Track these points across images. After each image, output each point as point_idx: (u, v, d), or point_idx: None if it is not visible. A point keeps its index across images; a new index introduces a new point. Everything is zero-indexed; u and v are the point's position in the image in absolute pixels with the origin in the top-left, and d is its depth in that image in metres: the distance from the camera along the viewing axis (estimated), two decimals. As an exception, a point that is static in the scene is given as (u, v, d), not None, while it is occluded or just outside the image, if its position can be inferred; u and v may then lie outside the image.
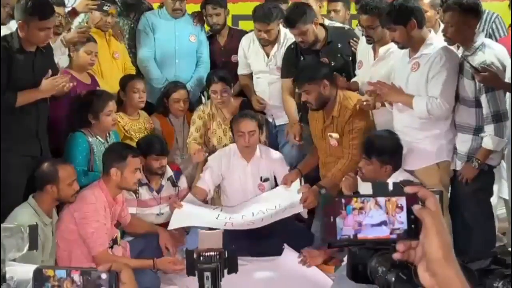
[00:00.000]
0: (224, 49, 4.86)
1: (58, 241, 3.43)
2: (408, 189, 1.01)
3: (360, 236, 1.00)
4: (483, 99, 3.38)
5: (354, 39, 4.22)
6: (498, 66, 3.37)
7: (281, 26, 4.46)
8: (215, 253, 2.21)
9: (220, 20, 4.77)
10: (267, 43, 4.43)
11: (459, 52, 3.59)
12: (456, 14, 3.42)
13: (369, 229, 1.01)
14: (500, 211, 4.45)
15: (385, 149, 3.45)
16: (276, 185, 4.34)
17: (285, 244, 4.04)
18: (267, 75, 4.50)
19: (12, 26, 3.79)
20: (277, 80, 4.43)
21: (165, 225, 4.02)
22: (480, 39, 3.47)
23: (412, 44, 3.55)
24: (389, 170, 3.40)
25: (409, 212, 1.00)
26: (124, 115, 4.32)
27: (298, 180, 4.22)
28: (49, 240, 3.32)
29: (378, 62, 3.93)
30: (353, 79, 4.18)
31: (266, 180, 4.30)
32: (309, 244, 3.99)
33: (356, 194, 1.06)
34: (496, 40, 4.16)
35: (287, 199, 4.09)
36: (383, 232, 1.01)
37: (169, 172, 4.20)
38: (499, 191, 4.24)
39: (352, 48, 4.21)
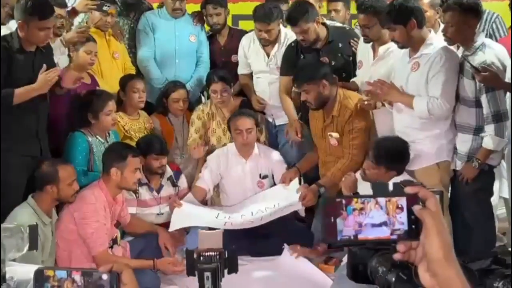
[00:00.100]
0: (224, 49, 4.86)
1: (58, 241, 3.43)
2: (408, 190, 1.01)
3: (360, 236, 1.00)
4: (483, 99, 3.38)
5: (355, 39, 4.22)
6: (498, 66, 3.37)
7: (281, 26, 4.47)
8: (215, 253, 2.21)
9: (220, 20, 4.77)
10: (267, 43, 4.43)
11: (459, 52, 3.59)
12: (456, 14, 3.41)
13: (370, 229, 1.01)
14: (500, 211, 4.45)
15: (396, 158, 3.45)
16: (274, 183, 4.34)
17: (285, 244, 4.04)
18: (267, 75, 4.50)
19: (12, 26, 3.79)
20: (277, 80, 4.43)
21: (165, 225, 4.03)
22: (481, 39, 3.47)
23: (412, 44, 3.55)
24: (392, 175, 3.40)
25: (410, 212, 1.00)
26: (124, 115, 4.31)
27: (297, 179, 4.23)
28: (49, 240, 3.32)
29: (378, 61, 3.93)
30: (353, 79, 4.18)
31: (265, 177, 4.32)
32: (309, 243, 3.99)
33: (356, 194, 1.06)
34: (496, 40, 4.16)
35: (286, 198, 4.09)
36: (383, 233, 1.01)
37: (169, 172, 4.20)
38: (500, 190, 4.24)
39: (353, 48, 4.21)
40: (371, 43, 3.96)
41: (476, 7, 3.44)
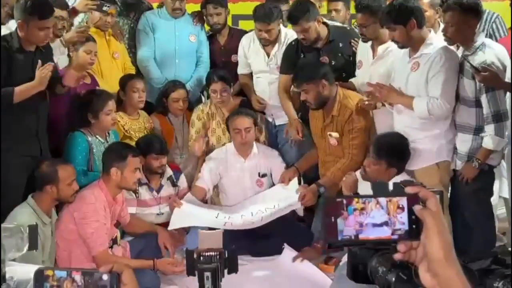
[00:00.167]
0: (224, 48, 4.86)
1: (58, 241, 3.43)
2: (409, 190, 1.01)
3: (361, 236, 1.00)
4: (484, 99, 3.38)
5: (356, 39, 4.22)
6: (498, 66, 3.37)
7: (281, 25, 4.47)
8: (215, 253, 2.21)
9: (220, 19, 4.77)
10: (267, 43, 4.43)
11: (459, 52, 3.59)
12: (456, 14, 3.41)
13: (371, 229, 1.00)
14: (500, 211, 4.45)
15: (397, 152, 3.44)
16: (273, 182, 4.35)
17: (285, 244, 4.05)
18: (267, 74, 4.50)
19: (11, 26, 3.79)
20: (277, 79, 4.42)
21: (165, 225, 4.02)
22: (481, 39, 3.47)
23: (412, 44, 3.55)
24: (393, 173, 3.40)
25: (410, 212, 1.00)
26: (124, 115, 4.31)
27: (296, 179, 4.23)
28: (49, 240, 3.32)
29: (377, 60, 3.93)
30: (353, 79, 4.18)
31: (264, 175, 4.33)
32: (309, 243, 4.00)
33: (357, 194, 1.06)
34: (496, 40, 4.16)
35: (286, 199, 4.09)
36: (384, 233, 1.01)
37: (169, 171, 4.20)
38: (500, 190, 4.24)
39: (353, 48, 4.21)
40: (370, 43, 3.97)
41: (476, 7, 3.44)
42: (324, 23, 4.25)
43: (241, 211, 4.10)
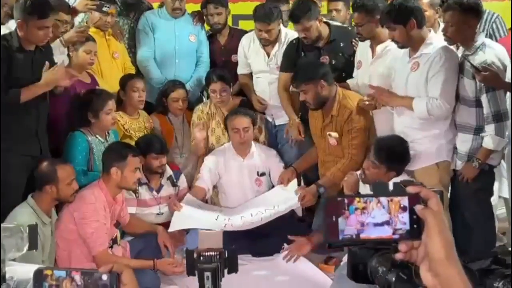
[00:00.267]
0: (225, 48, 4.85)
1: (58, 241, 3.43)
2: (410, 189, 1.01)
3: (362, 236, 1.00)
4: (484, 98, 3.38)
5: (356, 39, 4.23)
6: (498, 65, 3.37)
7: (281, 25, 4.47)
8: (215, 253, 2.21)
9: (221, 19, 4.76)
10: (267, 43, 4.43)
11: (459, 52, 3.59)
12: (456, 14, 3.41)
13: (372, 229, 1.00)
14: (500, 211, 4.45)
15: (397, 156, 3.44)
16: (271, 182, 4.35)
17: (285, 244, 4.04)
18: (268, 74, 4.50)
19: (11, 26, 3.79)
20: (277, 79, 4.42)
21: (165, 224, 4.02)
22: (481, 39, 3.47)
23: (412, 43, 3.55)
24: (392, 176, 3.39)
25: (411, 212, 1.00)
26: (124, 114, 4.31)
27: (295, 180, 4.23)
28: (49, 240, 3.32)
29: (376, 60, 3.93)
30: (350, 80, 4.17)
31: (262, 174, 4.34)
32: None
33: (358, 194, 1.06)
34: (496, 40, 4.16)
35: (286, 201, 4.10)
36: (385, 232, 1.00)
37: (169, 171, 4.20)
38: (499, 190, 4.24)
39: (354, 48, 4.21)
40: (369, 43, 3.97)
41: (477, 7, 3.43)
42: (325, 22, 4.26)
43: (240, 213, 4.11)
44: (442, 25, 3.84)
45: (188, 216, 3.96)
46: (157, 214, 4.11)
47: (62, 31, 3.99)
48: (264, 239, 4.03)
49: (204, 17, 4.83)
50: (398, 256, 1.01)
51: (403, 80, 3.61)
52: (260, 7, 4.43)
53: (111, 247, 3.56)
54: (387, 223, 1.00)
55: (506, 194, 4.24)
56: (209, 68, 4.75)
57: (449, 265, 0.96)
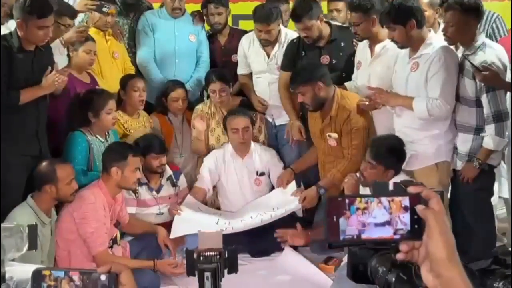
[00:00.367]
0: (225, 48, 4.85)
1: (58, 241, 3.43)
2: (411, 189, 1.00)
3: (363, 236, 1.00)
4: (484, 98, 3.38)
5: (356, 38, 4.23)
6: (499, 65, 3.37)
7: (281, 25, 4.46)
8: (215, 253, 2.20)
9: (221, 19, 4.76)
10: (267, 44, 4.42)
11: (459, 52, 3.59)
12: (457, 14, 3.41)
13: (373, 229, 1.00)
14: (500, 211, 4.45)
15: (392, 154, 3.43)
16: (271, 181, 4.35)
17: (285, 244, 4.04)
18: (267, 74, 4.50)
19: (10, 26, 3.79)
20: (277, 80, 4.42)
21: (164, 224, 4.02)
22: (481, 39, 3.46)
23: (412, 44, 3.55)
24: (391, 175, 3.39)
25: (413, 212, 1.00)
26: (124, 114, 4.31)
27: (293, 182, 4.22)
28: (48, 240, 3.32)
29: (375, 59, 3.93)
30: (351, 82, 4.16)
31: (262, 174, 4.35)
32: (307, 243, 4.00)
33: (358, 194, 1.05)
34: (496, 40, 4.16)
35: (286, 202, 4.09)
36: (386, 232, 1.00)
37: (169, 171, 4.20)
38: (499, 191, 4.24)
39: (355, 48, 4.21)
40: (368, 43, 3.97)
41: (477, 7, 3.43)
42: (326, 22, 4.26)
43: (240, 216, 4.11)
44: (442, 25, 3.84)
45: (188, 220, 3.94)
46: (157, 214, 4.11)
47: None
48: (264, 238, 4.03)
49: (204, 17, 4.83)
50: (399, 256, 1.00)
51: (403, 80, 3.60)
52: (259, 7, 4.43)
53: (111, 247, 3.56)
54: (388, 223, 1.00)
55: (506, 195, 4.24)
56: (209, 68, 4.75)
57: (451, 266, 0.95)
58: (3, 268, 1.76)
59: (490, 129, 3.39)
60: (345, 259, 2.82)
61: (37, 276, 1.19)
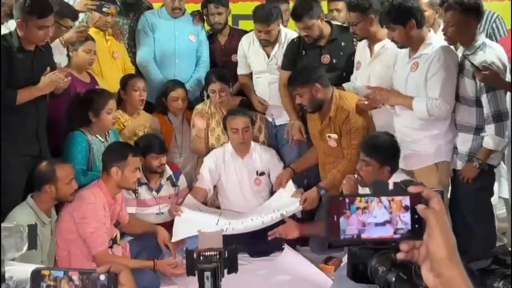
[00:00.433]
0: (225, 48, 4.85)
1: (58, 241, 3.43)
2: (412, 189, 1.00)
3: (363, 236, 0.99)
4: (484, 98, 3.38)
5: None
6: (499, 65, 3.37)
7: (281, 25, 4.46)
8: (215, 253, 2.20)
9: (222, 19, 4.76)
10: (267, 44, 4.42)
11: (459, 51, 3.59)
12: (457, 14, 3.41)
13: (373, 228, 1.00)
14: (500, 211, 4.45)
15: (384, 149, 3.42)
16: (270, 181, 4.35)
17: (285, 244, 4.04)
18: (267, 74, 4.50)
19: (10, 26, 3.79)
20: (277, 80, 4.42)
21: (164, 224, 4.02)
22: (481, 38, 3.46)
23: (412, 44, 3.55)
24: (387, 172, 3.38)
25: (413, 211, 0.99)
26: (124, 113, 4.32)
27: (291, 182, 4.22)
28: (48, 239, 3.32)
29: (374, 59, 3.93)
30: (349, 83, 4.15)
31: (262, 174, 4.35)
32: (307, 243, 4.00)
33: (359, 193, 1.05)
34: (496, 40, 4.16)
35: (286, 204, 4.09)
36: (387, 232, 1.00)
37: (168, 171, 4.20)
38: (499, 191, 4.24)
39: (355, 48, 4.21)
40: (367, 43, 3.97)
41: (477, 7, 3.43)
42: (327, 21, 4.26)
43: (241, 218, 4.11)
44: (442, 25, 3.84)
45: (188, 221, 3.94)
46: (157, 214, 4.10)
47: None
48: (264, 239, 4.03)
49: (205, 16, 4.83)
50: (400, 256, 1.00)
51: (403, 80, 3.60)
52: (259, 8, 4.43)
53: (111, 247, 3.55)
54: (389, 222, 1.00)
55: (506, 195, 4.24)
56: (209, 68, 4.75)
57: (451, 266, 0.95)
58: (3, 268, 1.76)
59: (490, 129, 3.39)
60: (345, 259, 2.82)
61: (36, 276, 1.19)
